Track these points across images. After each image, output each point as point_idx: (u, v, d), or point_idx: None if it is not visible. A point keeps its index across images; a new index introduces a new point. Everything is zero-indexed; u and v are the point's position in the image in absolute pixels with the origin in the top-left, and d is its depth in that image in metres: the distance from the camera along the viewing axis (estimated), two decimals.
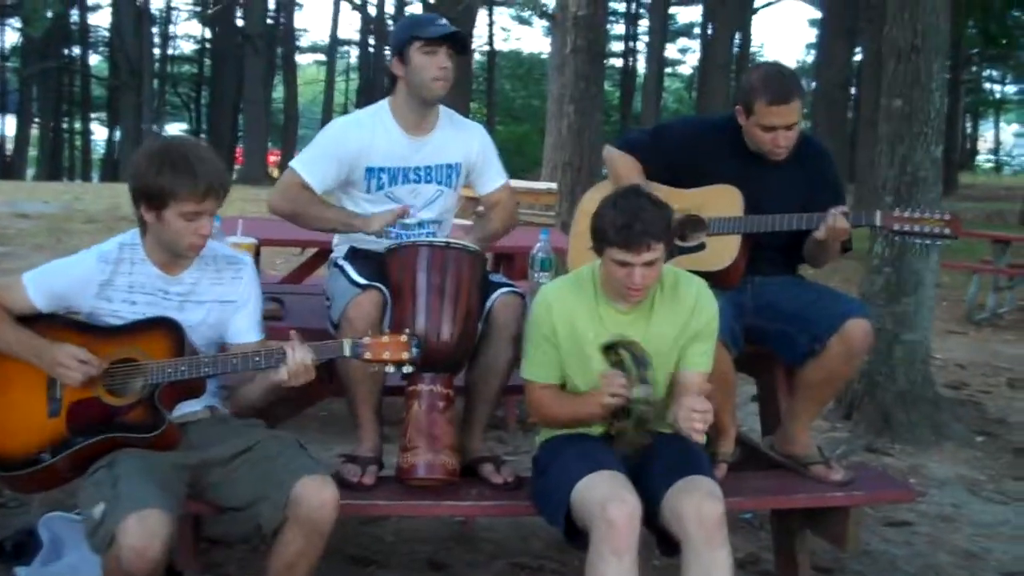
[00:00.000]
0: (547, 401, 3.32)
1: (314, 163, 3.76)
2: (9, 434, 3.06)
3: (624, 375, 3.03)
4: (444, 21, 3.80)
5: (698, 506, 2.97)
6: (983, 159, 53.61)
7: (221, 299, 3.22)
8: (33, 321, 3.10)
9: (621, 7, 43.00)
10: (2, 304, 3.09)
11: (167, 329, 3.07)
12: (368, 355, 3.03)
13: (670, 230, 3.16)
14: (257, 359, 3.04)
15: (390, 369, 3.06)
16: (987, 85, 45.96)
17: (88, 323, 3.13)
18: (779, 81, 3.75)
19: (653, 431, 3.10)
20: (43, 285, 3.10)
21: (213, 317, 3.21)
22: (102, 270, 3.10)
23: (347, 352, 3.04)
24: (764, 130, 3.75)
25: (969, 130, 49.34)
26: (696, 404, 2.99)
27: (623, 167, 3.95)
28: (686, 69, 51.55)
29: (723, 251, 3.79)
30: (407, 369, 3.08)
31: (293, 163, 3.82)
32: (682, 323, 3.27)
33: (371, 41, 39.39)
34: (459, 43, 3.75)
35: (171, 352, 3.04)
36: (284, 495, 2.95)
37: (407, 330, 3.09)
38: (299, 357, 2.99)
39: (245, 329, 3.26)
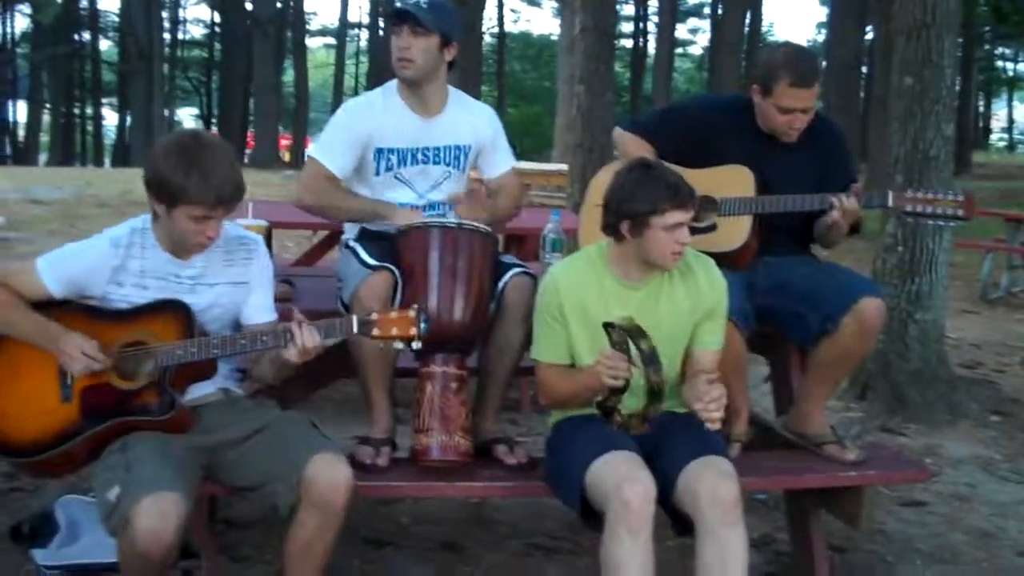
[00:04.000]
0: (553, 379, 3.32)
1: (332, 149, 3.75)
2: (22, 420, 3.07)
3: (625, 358, 3.03)
4: (418, 0, 3.71)
5: (713, 486, 2.96)
6: (996, 138, 53.34)
7: (233, 280, 3.22)
8: (45, 307, 3.10)
9: None
10: (16, 290, 3.10)
11: (176, 311, 3.07)
12: (376, 331, 3.02)
13: None
14: (265, 339, 3.05)
15: (399, 346, 3.06)
16: (1000, 63, 45.68)
17: (99, 307, 3.13)
18: (803, 63, 3.73)
19: (652, 419, 3.09)
20: (57, 271, 3.10)
21: (226, 298, 3.21)
22: (115, 254, 3.10)
23: (355, 329, 3.04)
24: (781, 112, 3.73)
25: (982, 109, 49.04)
26: (710, 393, 2.97)
27: (633, 150, 3.93)
28: (696, 49, 51.44)
29: (735, 232, 3.77)
30: (416, 345, 3.07)
31: (312, 152, 3.79)
32: (693, 301, 3.27)
33: (380, 24, 39.30)
34: (418, 20, 3.63)
35: (180, 334, 3.04)
36: (297, 474, 2.96)
37: (415, 306, 3.08)
38: (305, 335, 3.00)
39: (258, 310, 3.26)
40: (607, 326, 3.08)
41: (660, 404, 3.01)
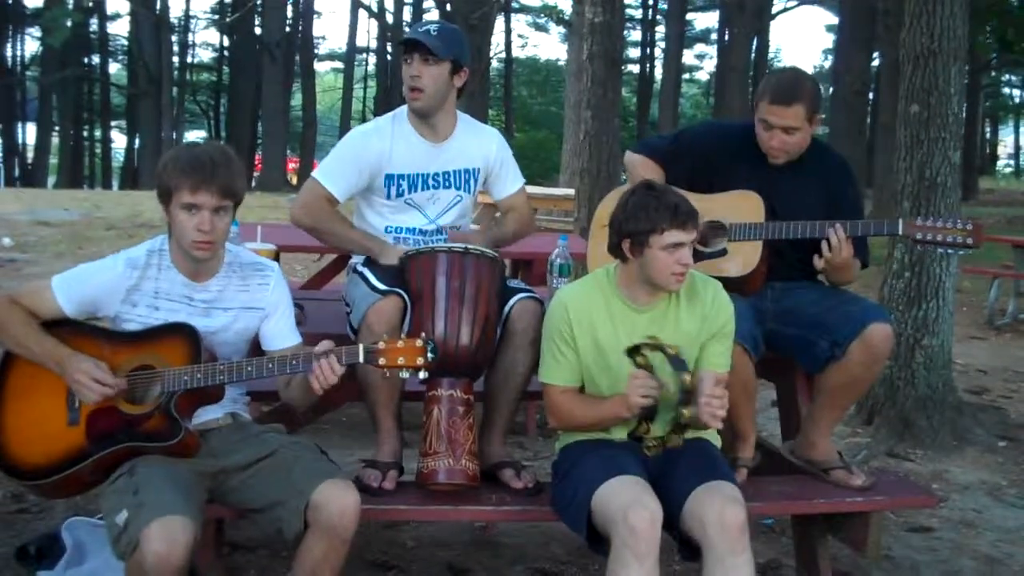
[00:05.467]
0: (568, 405, 3.32)
1: (336, 173, 3.77)
2: (30, 443, 3.08)
3: (654, 376, 3.04)
4: (427, 28, 3.75)
5: (720, 511, 2.96)
6: (1003, 164, 53.32)
7: (247, 306, 3.23)
8: (57, 326, 3.11)
9: (638, 13, 43.01)
10: (29, 309, 3.10)
11: (184, 336, 3.08)
12: (382, 361, 3.01)
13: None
14: (271, 366, 3.05)
15: (405, 375, 3.05)
16: (1006, 90, 45.75)
17: (109, 330, 3.15)
18: (786, 83, 3.78)
19: (685, 433, 3.11)
20: (72, 291, 3.11)
21: (240, 323, 3.22)
22: (130, 275, 3.11)
23: (361, 358, 3.03)
24: (763, 127, 3.76)
25: (988, 135, 49.08)
26: (711, 390, 2.99)
27: (643, 172, 3.95)
28: (703, 75, 51.64)
29: (744, 257, 3.77)
30: (422, 375, 3.06)
31: (315, 174, 3.81)
32: (699, 323, 3.28)
33: (388, 48, 39.46)
34: (428, 49, 3.66)
35: (188, 359, 3.04)
36: (304, 500, 2.96)
37: (423, 335, 3.08)
38: (325, 370, 2.99)
39: (280, 335, 3.27)
40: (630, 351, 3.09)
41: (694, 408, 3.02)
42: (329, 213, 3.76)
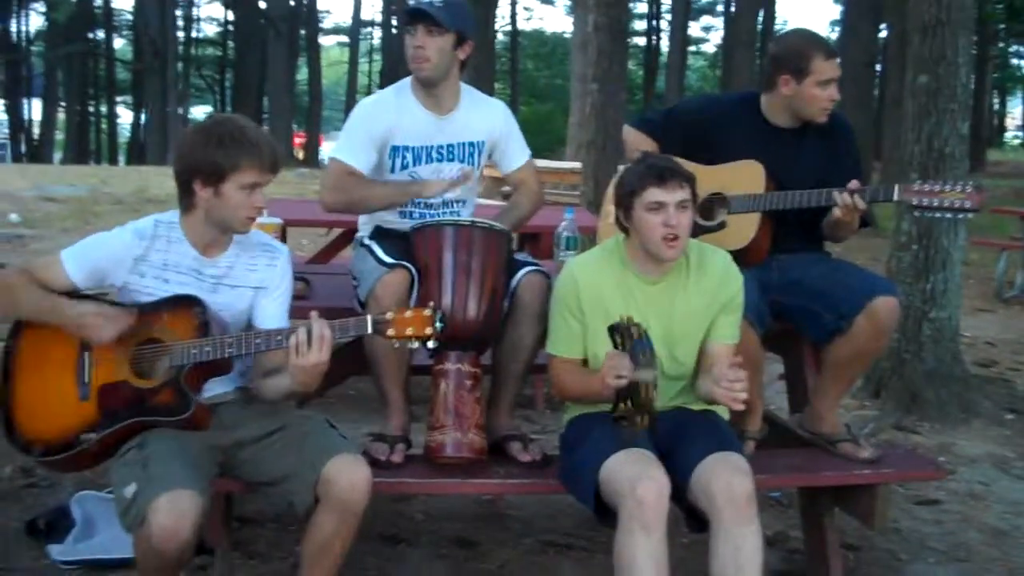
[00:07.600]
0: (566, 376, 3.34)
1: (353, 147, 3.74)
2: (42, 418, 3.09)
3: (628, 357, 3.03)
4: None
5: (728, 483, 2.96)
6: (1011, 136, 53.09)
7: (253, 285, 3.21)
8: (68, 297, 3.09)
9: None
10: (40, 280, 3.07)
11: (192, 308, 3.06)
12: (391, 331, 2.98)
13: (694, 184, 3.20)
14: (279, 338, 3.02)
15: (414, 345, 3.03)
16: (1015, 61, 45.50)
17: (118, 303, 3.14)
18: (823, 38, 3.84)
19: (654, 415, 3.07)
20: (81, 260, 3.09)
21: (244, 302, 3.20)
22: (137, 244, 3.10)
23: (369, 328, 3.00)
24: (823, 86, 3.74)
25: (997, 106, 48.86)
26: (731, 375, 2.97)
27: (638, 146, 3.95)
28: (710, 47, 51.45)
29: (743, 229, 3.76)
30: (431, 345, 3.04)
31: (333, 153, 3.80)
32: (710, 295, 3.28)
33: (394, 22, 39.33)
34: (433, 20, 3.63)
35: (196, 332, 3.03)
36: (315, 474, 2.96)
37: (431, 304, 3.05)
38: (316, 329, 2.96)
39: (272, 315, 3.21)
40: (611, 329, 3.09)
41: (651, 395, 2.96)
42: (356, 183, 3.72)
